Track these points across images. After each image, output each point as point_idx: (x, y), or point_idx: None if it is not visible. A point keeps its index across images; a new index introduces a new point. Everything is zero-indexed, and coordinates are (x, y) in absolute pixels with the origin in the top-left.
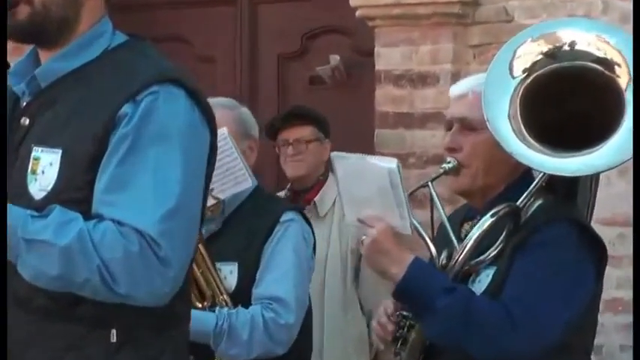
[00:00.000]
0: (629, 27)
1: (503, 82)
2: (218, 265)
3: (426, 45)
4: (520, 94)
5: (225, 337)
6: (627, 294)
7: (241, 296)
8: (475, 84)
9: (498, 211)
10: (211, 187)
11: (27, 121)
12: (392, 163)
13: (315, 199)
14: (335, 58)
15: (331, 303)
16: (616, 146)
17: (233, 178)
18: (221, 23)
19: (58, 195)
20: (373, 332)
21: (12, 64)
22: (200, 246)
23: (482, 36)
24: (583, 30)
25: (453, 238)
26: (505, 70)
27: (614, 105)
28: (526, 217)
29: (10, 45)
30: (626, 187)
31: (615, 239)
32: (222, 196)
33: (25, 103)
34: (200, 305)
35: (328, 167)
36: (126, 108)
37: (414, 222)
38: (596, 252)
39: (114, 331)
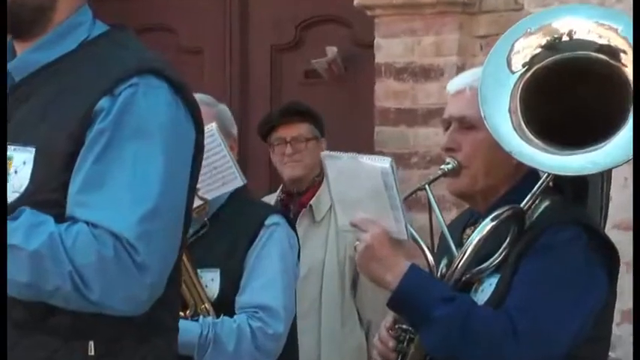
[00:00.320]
0: None
1: (501, 77)
2: (198, 272)
3: (429, 36)
4: (520, 89)
5: (210, 348)
6: None
7: (224, 305)
8: (473, 79)
9: (500, 214)
10: (197, 187)
11: None
12: (385, 162)
13: (312, 202)
14: (332, 50)
15: (328, 313)
16: (623, 142)
17: (221, 177)
18: (209, 11)
19: (31, 197)
20: (374, 349)
21: None
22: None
23: (489, 26)
24: (582, 17)
25: (452, 244)
26: (503, 64)
27: (620, 97)
28: (531, 221)
29: None
30: None
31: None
32: (209, 197)
33: None
34: (182, 314)
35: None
36: (103, 102)
37: (410, 228)
38: (608, 257)
39: (92, 343)
